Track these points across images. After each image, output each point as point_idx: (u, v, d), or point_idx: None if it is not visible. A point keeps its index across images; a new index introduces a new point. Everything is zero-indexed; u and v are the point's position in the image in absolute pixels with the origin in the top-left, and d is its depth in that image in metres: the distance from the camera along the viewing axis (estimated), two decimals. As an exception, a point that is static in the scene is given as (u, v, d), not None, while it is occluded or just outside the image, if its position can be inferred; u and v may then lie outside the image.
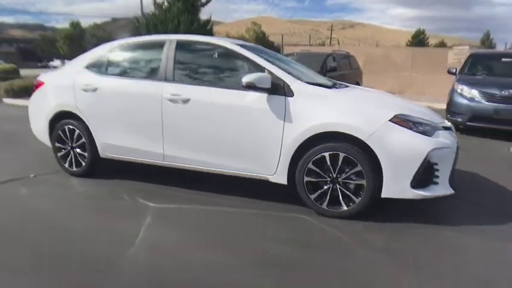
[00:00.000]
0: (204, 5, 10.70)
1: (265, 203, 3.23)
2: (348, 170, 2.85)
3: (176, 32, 9.67)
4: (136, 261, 2.33)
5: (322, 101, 2.94)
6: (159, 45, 3.56)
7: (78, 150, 3.88)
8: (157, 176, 3.83)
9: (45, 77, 4.18)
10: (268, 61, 3.16)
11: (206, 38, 3.58)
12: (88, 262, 2.31)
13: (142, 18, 10.44)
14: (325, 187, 2.93)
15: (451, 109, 6.44)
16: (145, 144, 3.51)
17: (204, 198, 3.36)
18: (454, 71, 7.08)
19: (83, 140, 3.81)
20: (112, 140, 3.66)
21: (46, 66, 38.23)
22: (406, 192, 2.75)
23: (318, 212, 2.99)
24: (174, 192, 3.51)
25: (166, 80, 3.38)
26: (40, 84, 4.12)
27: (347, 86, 3.65)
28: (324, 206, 2.95)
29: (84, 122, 3.77)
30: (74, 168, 3.94)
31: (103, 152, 3.77)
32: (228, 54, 3.33)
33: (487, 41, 49.09)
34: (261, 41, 44.88)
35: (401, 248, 2.54)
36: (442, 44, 52.48)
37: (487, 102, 5.99)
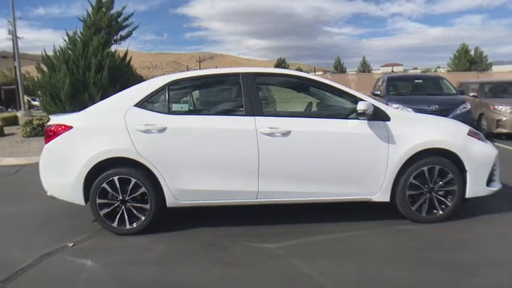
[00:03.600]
0: (124, 38, 9.90)
1: (370, 223, 3.44)
2: (439, 179, 3.36)
3: (99, 66, 8.67)
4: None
5: (413, 122, 3.40)
6: (232, 79, 3.41)
7: (132, 203, 3.25)
8: (224, 217, 3.57)
9: (70, 119, 3.36)
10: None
11: (284, 70, 3.61)
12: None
13: (58, 53, 8.84)
14: (423, 198, 3.36)
15: None
16: (235, 184, 3.25)
17: (314, 229, 3.34)
18: (379, 93, 8.61)
19: (143, 190, 3.24)
20: (189, 185, 3.24)
21: None
22: (483, 190, 3.43)
23: (419, 220, 3.38)
24: (272, 230, 3.35)
25: (255, 114, 3.26)
26: (64, 128, 3.29)
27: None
28: (423, 214, 3.37)
29: (144, 168, 3.22)
30: (127, 226, 3.28)
31: (174, 201, 3.28)
32: (313, 86, 3.47)
33: (339, 66, 57.82)
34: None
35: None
36: (300, 71, 59.97)
37: None
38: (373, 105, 3.27)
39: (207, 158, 3.24)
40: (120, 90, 10.27)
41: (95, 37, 8.89)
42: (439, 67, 51.12)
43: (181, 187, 3.24)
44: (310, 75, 3.48)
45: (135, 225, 3.29)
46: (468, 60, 39.12)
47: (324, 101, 3.55)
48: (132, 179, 3.24)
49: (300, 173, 3.27)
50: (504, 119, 8.03)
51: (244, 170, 3.23)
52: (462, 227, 3.32)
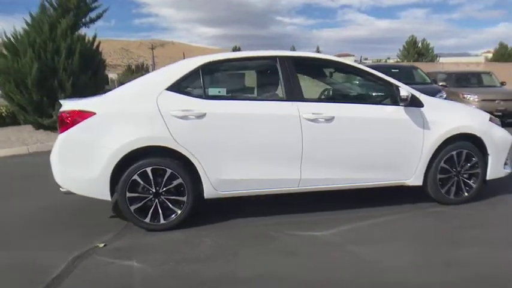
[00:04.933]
0: (94, 21, 9.00)
1: (402, 206, 3.52)
2: (465, 163, 3.51)
3: (69, 50, 7.84)
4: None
5: (443, 108, 3.51)
6: (268, 62, 3.25)
7: (167, 196, 3.00)
8: (254, 207, 3.45)
9: (92, 104, 2.98)
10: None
11: (322, 55, 3.50)
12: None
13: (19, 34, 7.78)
14: (451, 181, 3.50)
15: None
16: (277, 172, 3.12)
17: (352, 215, 3.33)
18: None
19: (179, 181, 2.99)
20: (230, 174, 3.05)
21: None
22: (501, 172, 3.66)
23: (447, 202, 3.52)
24: (311, 218, 3.29)
25: (296, 99, 3.14)
26: (86, 115, 2.92)
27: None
28: (452, 196, 3.52)
29: (181, 157, 2.97)
30: (161, 221, 3.02)
31: (213, 192, 3.07)
32: (350, 72, 3.42)
33: None
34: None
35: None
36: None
37: None
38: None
39: (248, 146, 3.07)
40: (92, 77, 9.49)
41: (63, 19, 8.02)
42: (389, 58, 53.96)
43: (221, 177, 3.05)
44: (348, 61, 3.43)
45: (171, 219, 3.04)
46: (416, 51, 41.66)
47: (362, 87, 3.52)
48: (167, 169, 2.97)
49: (341, 159, 3.23)
50: (473, 107, 8.67)
51: (287, 157, 3.12)
52: (486, 208, 3.51)
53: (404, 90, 3.20)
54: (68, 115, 2.98)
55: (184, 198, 3.03)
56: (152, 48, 62.30)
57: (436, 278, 2.30)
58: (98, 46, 9.25)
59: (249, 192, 3.17)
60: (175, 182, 3.00)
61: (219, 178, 3.04)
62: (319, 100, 3.23)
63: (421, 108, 3.37)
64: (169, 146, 2.94)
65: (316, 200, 3.55)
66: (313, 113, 3.11)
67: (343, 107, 3.22)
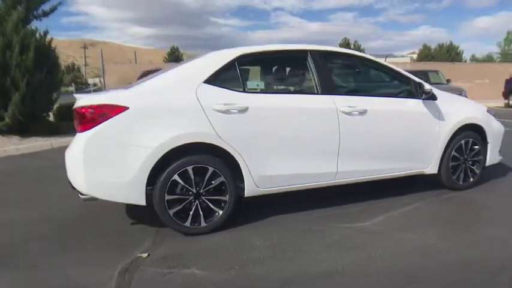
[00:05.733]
0: (47, 14, 7.97)
1: (421, 194, 3.72)
2: (471, 151, 3.82)
3: (22, 43, 6.90)
4: None
5: (452, 101, 3.76)
6: (300, 56, 3.21)
7: (208, 197, 2.81)
8: (283, 202, 3.40)
9: (122, 98, 2.67)
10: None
11: (349, 50, 3.52)
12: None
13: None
14: (460, 168, 3.78)
15: None
16: (316, 166, 3.10)
17: (386, 204, 3.43)
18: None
19: (221, 179, 2.82)
20: (272, 170, 2.95)
21: None
22: (496, 159, 4.04)
23: (456, 188, 3.79)
24: (347, 209, 3.32)
25: (332, 92, 3.15)
26: (117, 110, 2.60)
27: None
28: (461, 182, 3.80)
29: (223, 154, 2.81)
30: (203, 224, 2.82)
31: (254, 189, 2.95)
32: (373, 67, 3.51)
33: None
34: None
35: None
36: None
37: None
38: None
39: (289, 140, 2.99)
40: (48, 75, 8.63)
41: (14, 11, 7.06)
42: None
43: (263, 173, 2.93)
44: (372, 57, 3.52)
45: (212, 221, 2.84)
46: (350, 53, 44.04)
47: (385, 81, 3.64)
48: (209, 167, 2.78)
49: (373, 151, 3.31)
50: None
51: (325, 150, 3.11)
52: (490, 190, 3.85)
53: (427, 85, 3.39)
54: (92, 110, 2.63)
55: (226, 198, 2.86)
56: (85, 48, 58.11)
57: (493, 253, 2.46)
58: (50, 42, 8.36)
59: (289, 188, 3.10)
60: (216, 181, 2.81)
61: (261, 174, 2.92)
62: (351, 93, 3.26)
63: (436, 101, 3.59)
64: (213, 143, 2.75)
65: (337, 193, 3.57)
66: (348, 106, 3.14)
67: (373, 100, 3.30)
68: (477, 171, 3.88)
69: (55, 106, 8.70)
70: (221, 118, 2.77)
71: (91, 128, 2.61)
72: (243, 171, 2.86)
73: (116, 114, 2.61)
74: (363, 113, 3.20)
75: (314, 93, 3.12)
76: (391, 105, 3.38)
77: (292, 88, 3.20)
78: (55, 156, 6.09)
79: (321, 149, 3.10)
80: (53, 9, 8.21)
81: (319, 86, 3.13)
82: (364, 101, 3.24)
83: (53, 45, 8.28)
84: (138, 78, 10.52)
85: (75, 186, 2.75)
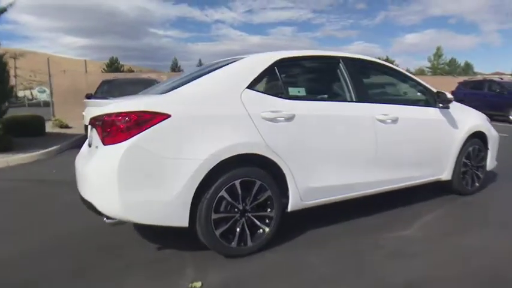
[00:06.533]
0: None
1: (437, 200, 3.78)
2: (476, 157, 4.00)
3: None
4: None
5: (461, 110, 3.92)
6: (333, 62, 3.12)
7: (254, 213, 2.56)
8: (302, 217, 3.24)
9: (163, 105, 2.32)
10: None
11: (378, 60, 3.47)
12: None
13: None
14: (468, 173, 3.94)
15: None
16: (357, 175, 3.00)
17: (408, 212, 3.43)
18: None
19: (268, 193, 2.58)
20: (318, 182, 2.78)
21: None
22: (493, 164, 4.28)
23: (465, 193, 3.92)
24: (372, 221, 3.20)
25: (366, 100, 3.10)
26: (157, 118, 2.26)
27: None
28: (469, 187, 3.95)
29: (270, 166, 2.58)
30: (249, 244, 2.55)
31: (298, 203, 2.74)
32: (397, 76, 3.54)
33: (176, 68, 57.25)
34: None
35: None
36: (131, 71, 47.64)
37: None
38: None
39: (333, 149, 2.85)
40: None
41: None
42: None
43: (310, 185, 2.74)
44: (396, 67, 3.55)
45: (259, 240, 2.57)
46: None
47: (406, 90, 3.67)
48: (256, 181, 2.52)
49: (403, 159, 3.30)
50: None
51: (365, 159, 3.02)
52: (495, 193, 4.05)
53: (448, 93, 3.50)
54: (127, 118, 2.25)
55: (272, 214, 2.62)
56: (15, 58, 52.97)
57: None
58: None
59: (331, 200, 2.94)
60: (263, 196, 2.57)
61: (306, 186, 2.73)
62: (381, 101, 3.23)
63: (449, 110, 3.73)
64: (263, 154, 2.51)
65: (351, 205, 3.41)
66: (382, 114, 3.11)
67: (401, 109, 3.31)
68: (481, 176, 4.08)
69: (4, 117, 7.64)
70: (269, 127, 2.55)
71: (125, 139, 2.23)
72: (288, 183, 2.65)
73: (156, 123, 2.26)
74: (395, 121, 3.18)
75: (351, 101, 3.04)
76: (416, 114, 3.42)
77: (330, 95, 3.08)
78: (21, 175, 5.30)
79: (361, 158, 3.01)
80: (2, 11, 7.25)
81: (355, 93, 3.06)
82: (395, 109, 3.23)
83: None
84: (98, 88, 9.75)
85: (100, 209, 2.31)
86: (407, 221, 3.21)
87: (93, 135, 2.58)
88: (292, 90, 2.82)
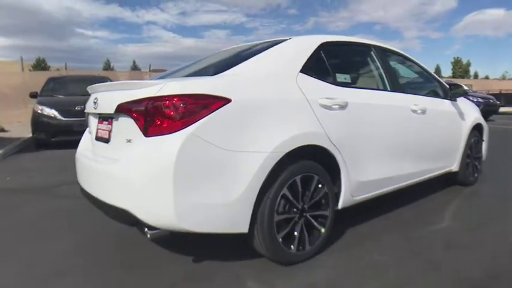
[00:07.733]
0: None
1: (444, 192, 3.82)
2: (475, 149, 4.15)
3: None
4: None
5: (464, 102, 4.03)
6: (368, 50, 2.98)
7: (311, 212, 2.29)
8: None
9: (221, 87, 1.93)
10: None
11: (400, 51, 3.36)
12: None
13: None
14: (470, 164, 4.07)
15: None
16: (401, 166, 2.92)
17: (427, 204, 3.40)
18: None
19: (324, 190, 2.33)
20: (369, 175, 2.61)
21: None
22: (485, 155, 4.50)
23: (467, 183, 4.03)
24: (398, 218, 3.07)
25: (401, 90, 3.01)
26: (217, 103, 1.88)
27: None
28: (471, 177, 4.08)
29: (329, 158, 2.33)
30: (307, 248, 2.27)
31: (349, 199, 2.52)
32: (415, 66, 3.50)
33: (109, 69, 54.40)
34: None
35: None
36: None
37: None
38: None
39: (382, 140, 2.70)
40: None
41: None
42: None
43: (362, 179, 2.54)
44: (415, 59, 3.50)
45: (316, 242, 2.29)
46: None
47: (424, 82, 3.64)
48: (315, 176, 2.25)
49: (430, 150, 3.28)
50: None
51: (407, 150, 2.96)
52: (496, 182, 4.24)
53: (464, 85, 3.56)
54: (184, 103, 1.83)
55: (327, 212, 2.37)
56: None
57: None
58: None
59: (378, 194, 2.77)
60: (320, 193, 2.30)
61: (359, 181, 2.53)
62: (411, 92, 3.15)
63: (456, 102, 3.81)
64: (323, 145, 2.25)
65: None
66: (414, 104, 3.04)
67: (426, 100, 3.27)
68: (479, 167, 4.26)
69: None
70: (327, 115, 2.30)
71: (181, 128, 1.81)
72: (342, 178, 2.42)
73: (215, 109, 1.87)
74: (424, 111, 3.13)
75: (389, 91, 2.91)
76: (438, 105, 3.42)
77: (370, 84, 2.91)
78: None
79: (405, 149, 2.92)
80: None
81: (390, 83, 2.94)
82: (422, 100, 3.19)
83: None
84: (44, 86, 8.59)
85: (141, 218, 1.85)
86: (434, 213, 3.16)
87: (118, 126, 2.10)
88: (339, 76, 2.59)
